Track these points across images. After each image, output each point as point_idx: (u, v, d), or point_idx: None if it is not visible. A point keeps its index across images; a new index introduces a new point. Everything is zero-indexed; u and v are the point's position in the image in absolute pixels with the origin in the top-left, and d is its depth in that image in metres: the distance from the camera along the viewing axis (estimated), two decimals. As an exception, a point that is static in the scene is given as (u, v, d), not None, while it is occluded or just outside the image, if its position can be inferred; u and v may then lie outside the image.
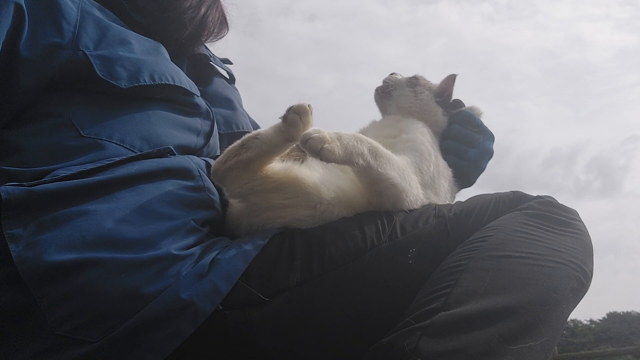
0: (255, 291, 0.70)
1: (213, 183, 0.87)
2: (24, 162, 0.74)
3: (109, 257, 0.66)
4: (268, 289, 0.71)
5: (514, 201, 0.86)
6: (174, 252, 0.70)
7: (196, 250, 0.72)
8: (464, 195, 0.93)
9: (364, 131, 1.14)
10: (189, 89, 0.93)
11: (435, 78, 1.22)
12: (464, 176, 1.08)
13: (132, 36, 0.89)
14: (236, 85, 1.22)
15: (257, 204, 0.84)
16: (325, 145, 0.75)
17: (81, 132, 0.78)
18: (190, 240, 0.74)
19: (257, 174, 0.84)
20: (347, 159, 0.78)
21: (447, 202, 0.99)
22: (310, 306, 0.72)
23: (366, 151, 0.81)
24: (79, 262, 0.65)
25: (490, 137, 1.10)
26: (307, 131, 0.76)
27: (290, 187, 0.84)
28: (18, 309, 0.64)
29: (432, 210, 0.85)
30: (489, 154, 1.10)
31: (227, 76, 1.20)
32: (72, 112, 0.80)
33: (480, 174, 1.11)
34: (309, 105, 0.80)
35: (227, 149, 0.84)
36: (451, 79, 1.18)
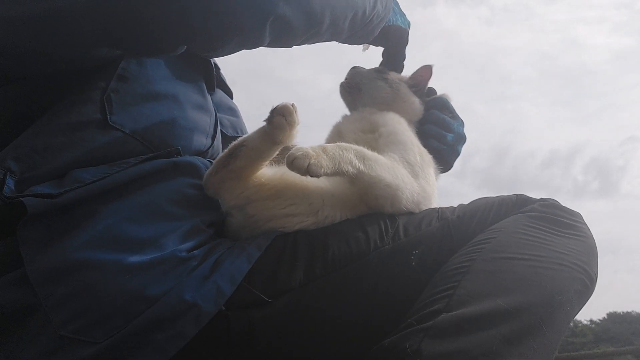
0: (258, 292, 0.70)
1: None
2: (43, 148, 0.74)
3: (114, 258, 0.66)
4: (271, 290, 0.71)
5: (517, 204, 0.86)
6: (179, 254, 0.70)
7: (200, 251, 0.73)
8: (467, 199, 0.94)
9: (338, 125, 1.13)
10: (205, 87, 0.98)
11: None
12: (444, 160, 1.10)
13: None
14: (236, 87, 1.24)
15: (257, 216, 0.82)
16: (311, 162, 0.74)
17: (109, 118, 0.79)
18: (195, 241, 0.74)
19: (250, 181, 0.83)
20: (337, 169, 0.78)
21: (435, 189, 1.00)
22: (312, 307, 0.72)
23: (353, 157, 0.80)
24: (84, 263, 0.65)
25: (462, 123, 1.15)
26: (290, 152, 0.75)
27: (289, 193, 0.83)
28: (22, 309, 0.64)
29: (435, 213, 0.85)
30: (463, 139, 1.14)
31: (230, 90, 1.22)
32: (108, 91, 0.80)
33: (457, 158, 1.14)
34: (292, 105, 0.79)
35: (216, 159, 0.83)
36: (428, 70, 1.19)
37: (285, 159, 0.75)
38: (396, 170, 0.87)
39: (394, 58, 1.18)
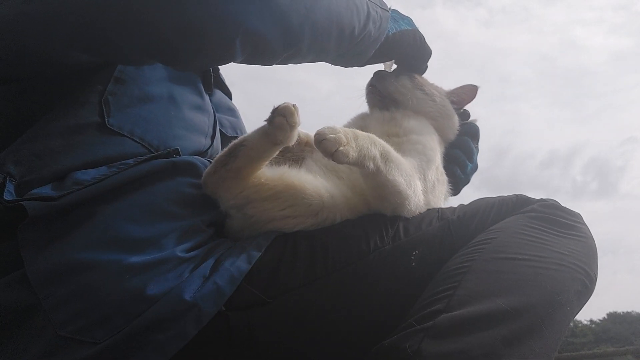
0: (258, 292, 0.70)
1: None
2: (42, 152, 0.74)
3: (114, 258, 0.66)
4: (271, 290, 0.71)
5: (517, 204, 0.86)
6: (179, 254, 0.70)
7: (200, 251, 0.73)
8: (466, 199, 0.93)
9: (364, 118, 1.09)
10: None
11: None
12: (456, 187, 1.10)
13: None
14: (235, 88, 1.23)
15: (256, 217, 0.81)
16: (340, 148, 0.72)
17: (107, 120, 0.79)
18: (195, 241, 0.74)
19: (249, 181, 0.82)
20: (359, 162, 0.76)
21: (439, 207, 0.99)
22: (312, 307, 0.72)
23: (378, 155, 0.79)
24: (85, 263, 0.65)
25: (477, 154, 1.13)
26: (321, 130, 0.73)
27: (288, 194, 0.82)
28: (23, 309, 0.64)
29: (435, 213, 0.86)
30: (476, 169, 1.14)
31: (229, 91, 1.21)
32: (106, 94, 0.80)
33: (465, 185, 1.14)
34: (294, 106, 0.78)
35: (215, 158, 0.83)
36: (473, 91, 1.13)
37: (314, 135, 0.73)
38: (412, 179, 0.85)
39: (412, 63, 1.10)
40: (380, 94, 1.11)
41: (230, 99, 1.20)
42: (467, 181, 1.13)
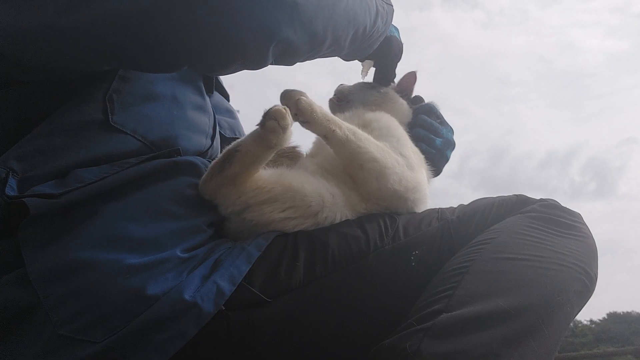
0: (258, 292, 0.70)
1: None
2: (45, 148, 0.74)
3: (114, 257, 0.66)
4: (271, 290, 0.71)
5: (517, 204, 0.86)
6: (179, 254, 0.70)
7: (200, 251, 0.73)
8: (465, 199, 0.94)
9: None
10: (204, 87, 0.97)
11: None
12: (433, 164, 1.11)
13: None
14: (234, 90, 1.24)
15: (255, 221, 0.81)
16: (303, 97, 0.78)
17: (110, 118, 0.79)
18: (196, 241, 0.74)
19: (247, 186, 0.82)
20: (324, 124, 0.82)
21: (427, 187, 1.01)
22: (312, 307, 0.72)
23: (344, 126, 0.84)
24: (85, 262, 0.65)
25: (451, 130, 1.16)
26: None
27: (287, 196, 0.82)
28: (23, 308, 0.64)
29: (435, 213, 0.86)
30: (452, 145, 1.16)
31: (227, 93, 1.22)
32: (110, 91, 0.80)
33: (446, 164, 1.15)
34: (285, 108, 0.78)
35: (210, 165, 0.83)
36: (412, 76, 1.22)
37: (280, 95, 0.79)
38: (386, 152, 0.88)
39: (385, 71, 1.18)
40: (337, 98, 1.22)
41: (228, 100, 1.20)
42: (444, 157, 1.13)
